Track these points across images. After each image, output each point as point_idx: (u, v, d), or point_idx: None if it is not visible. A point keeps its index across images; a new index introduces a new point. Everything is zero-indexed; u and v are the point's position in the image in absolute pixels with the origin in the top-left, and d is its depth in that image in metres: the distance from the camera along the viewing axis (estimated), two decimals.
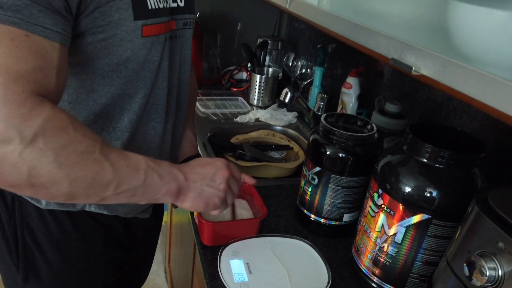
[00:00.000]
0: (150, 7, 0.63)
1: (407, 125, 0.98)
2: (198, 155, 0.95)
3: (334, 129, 0.79)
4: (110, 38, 0.60)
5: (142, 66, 0.66)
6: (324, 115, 0.84)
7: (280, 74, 1.72)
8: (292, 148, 1.32)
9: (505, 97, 0.37)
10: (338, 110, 1.27)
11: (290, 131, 1.43)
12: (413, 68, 0.48)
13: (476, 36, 0.42)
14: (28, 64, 0.47)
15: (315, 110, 1.37)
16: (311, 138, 0.84)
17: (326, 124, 0.81)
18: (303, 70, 1.57)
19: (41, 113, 0.47)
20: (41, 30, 0.48)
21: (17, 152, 0.46)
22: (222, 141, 1.28)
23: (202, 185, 0.66)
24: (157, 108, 0.74)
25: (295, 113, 1.50)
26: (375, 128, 0.81)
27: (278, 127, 1.44)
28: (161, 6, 0.66)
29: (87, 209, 0.73)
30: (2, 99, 0.45)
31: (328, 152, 0.79)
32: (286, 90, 1.24)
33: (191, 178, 0.65)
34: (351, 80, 1.20)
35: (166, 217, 1.55)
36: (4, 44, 0.46)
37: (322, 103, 1.36)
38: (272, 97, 1.63)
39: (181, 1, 0.75)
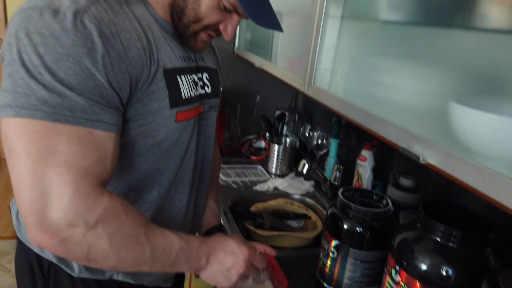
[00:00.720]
0: (183, 97, 0.73)
1: (421, 199, 1.02)
2: (220, 225, 1.00)
3: (351, 204, 0.84)
4: (149, 123, 0.69)
5: (173, 146, 0.75)
6: (341, 189, 0.89)
7: (297, 144, 1.80)
8: (310, 217, 1.36)
9: (500, 189, 0.42)
10: (354, 182, 1.32)
11: (308, 200, 1.47)
12: (421, 158, 0.54)
13: (473, 134, 0.49)
14: (92, 159, 0.57)
15: (332, 180, 1.42)
16: (329, 212, 0.89)
17: (343, 199, 0.86)
18: (319, 141, 1.65)
19: (101, 203, 0.58)
20: (101, 125, 0.58)
21: (81, 234, 0.56)
22: (242, 209, 1.32)
23: (217, 271, 0.74)
24: (184, 182, 0.82)
25: (312, 182, 1.55)
26: (390, 204, 0.86)
27: (296, 196, 1.49)
28: (192, 94, 0.76)
29: (114, 277, 0.78)
30: (73, 192, 0.55)
31: (346, 226, 0.83)
32: (303, 161, 1.30)
33: (211, 262, 0.73)
34: (365, 153, 1.26)
35: (184, 286, 1.55)
36: (73, 143, 0.55)
37: (338, 174, 1.41)
38: (289, 166, 1.69)
39: (208, 87, 0.85)
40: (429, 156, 0.53)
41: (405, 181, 1.03)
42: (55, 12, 0.55)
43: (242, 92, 2.06)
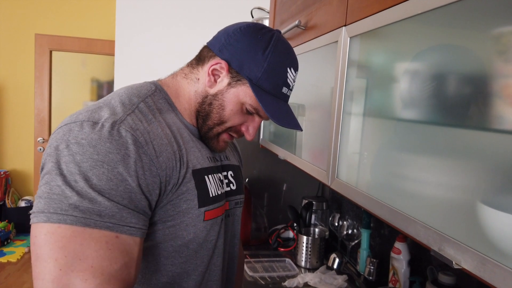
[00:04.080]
0: (211, 195, 0.74)
1: None
2: None
3: None
4: (177, 224, 0.69)
5: (201, 246, 0.74)
6: None
7: (327, 233, 1.74)
8: None
9: None
10: (390, 276, 1.23)
11: None
12: (454, 262, 0.51)
13: (506, 237, 0.46)
14: (118, 264, 0.57)
15: (366, 274, 1.33)
16: None
17: None
18: (349, 231, 1.58)
19: None
20: (127, 229, 0.59)
21: None
22: None
23: None
24: (212, 284, 0.79)
25: (345, 277, 1.46)
26: None
27: None
28: (219, 192, 0.77)
29: None
30: None
31: None
32: (333, 255, 1.25)
33: None
34: (399, 245, 1.20)
35: None
36: (100, 248, 0.56)
37: (372, 267, 1.33)
38: (320, 258, 1.62)
39: (233, 185, 0.86)
40: (462, 261, 0.50)
41: (445, 278, 0.96)
42: (95, 124, 0.61)
43: (268, 180, 2.07)
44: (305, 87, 1.26)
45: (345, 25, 0.92)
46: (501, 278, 0.44)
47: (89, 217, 0.56)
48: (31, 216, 0.57)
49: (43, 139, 3.61)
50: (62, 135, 0.60)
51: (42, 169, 0.61)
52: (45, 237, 0.55)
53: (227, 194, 0.83)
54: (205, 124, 0.77)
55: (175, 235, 0.70)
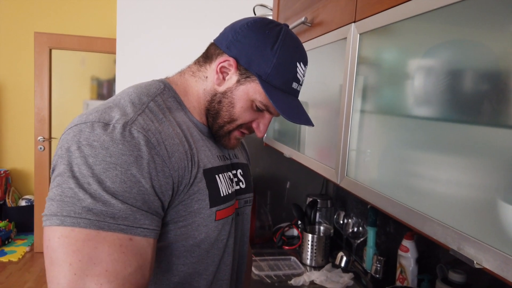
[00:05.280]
0: (222, 195, 0.73)
1: None
2: None
3: None
4: (189, 224, 0.69)
5: (212, 246, 0.73)
6: None
7: (332, 231, 1.73)
8: None
9: None
10: (397, 275, 1.23)
11: None
12: (475, 262, 0.50)
13: None
14: (132, 267, 0.57)
15: (372, 272, 1.33)
16: None
17: None
18: (355, 229, 1.58)
19: None
20: (141, 231, 0.58)
21: None
22: None
23: None
24: (222, 283, 0.78)
25: (351, 275, 1.45)
26: None
27: None
28: (229, 191, 0.76)
29: None
30: None
31: None
32: (341, 254, 1.24)
33: None
34: (407, 243, 1.19)
35: None
36: (114, 251, 0.55)
37: (379, 265, 1.32)
38: (325, 256, 1.61)
39: (243, 183, 0.86)
40: (484, 260, 0.49)
41: (455, 276, 0.95)
42: (106, 125, 0.60)
43: (272, 178, 2.06)
44: (311, 84, 1.25)
45: (354, 22, 0.91)
46: None
47: (103, 220, 0.55)
48: (43, 219, 0.56)
49: (43, 138, 3.60)
50: (72, 136, 0.59)
51: (53, 171, 0.60)
52: (59, 241, 0.54)
53: (237, 192, 0.82)
54: (216, 122, 0.76)
55: (186, 235, 0.69)
